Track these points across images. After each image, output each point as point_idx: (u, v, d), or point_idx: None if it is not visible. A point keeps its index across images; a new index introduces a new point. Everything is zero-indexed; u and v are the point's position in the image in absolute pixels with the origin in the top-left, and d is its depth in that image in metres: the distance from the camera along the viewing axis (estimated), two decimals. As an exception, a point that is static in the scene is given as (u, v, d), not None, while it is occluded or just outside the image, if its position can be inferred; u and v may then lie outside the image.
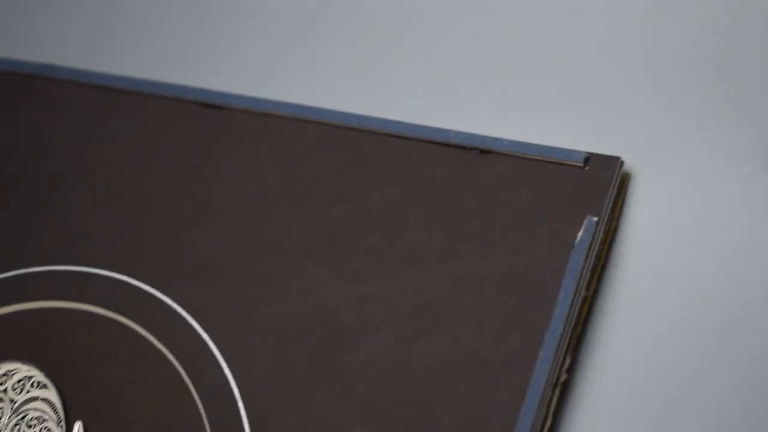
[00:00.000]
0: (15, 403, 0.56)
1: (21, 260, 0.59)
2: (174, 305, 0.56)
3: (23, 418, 0.56)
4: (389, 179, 0.55)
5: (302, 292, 0.54)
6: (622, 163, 0.53)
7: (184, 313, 0.55)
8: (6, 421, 0.56)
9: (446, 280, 0.53)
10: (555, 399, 0.51)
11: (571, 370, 0.51)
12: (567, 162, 0.54)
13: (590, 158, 0.53)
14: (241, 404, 0.53)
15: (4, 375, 0.57)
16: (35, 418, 0.55)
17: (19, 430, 0.55)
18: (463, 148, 0.55)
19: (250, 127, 0.59)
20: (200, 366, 0.54)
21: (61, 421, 0.55)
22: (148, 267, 0.57)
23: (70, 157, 0.60)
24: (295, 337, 0.53)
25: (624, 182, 0.54)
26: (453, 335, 0.52)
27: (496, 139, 0.55)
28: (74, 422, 0.55)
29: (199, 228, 0.57)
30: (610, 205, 0.53)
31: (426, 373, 0.51)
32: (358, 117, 0.57)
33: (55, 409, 0.55)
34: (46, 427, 0.55)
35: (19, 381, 0.56)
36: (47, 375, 0.56)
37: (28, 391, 0.56)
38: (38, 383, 0.56)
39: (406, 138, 0.56)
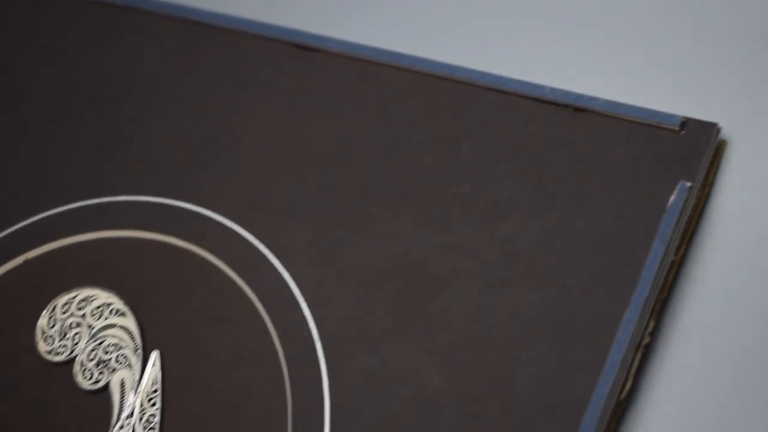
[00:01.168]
0: (93, 328, 0.56)
1: (106, 189, 0.59)
2: (256, 242, 0.56)
3: (100, 343, 0.56)
4: (481, 131, 0.55)
5: (387, 237, 0.54)
6: (719, 129, 0.53)
7: (265, 251, 0.55)
8: (83, 346, 0.56)
9: (534, 234, 0.52)
10: (636, 362, 0.50)
11: (654, 334, 0.51)
12: (663, 125, 0.53)
13: (687, 123, 0.53)
14: (318, 344, 0.53)
15: (83, 300, 0.57)
16: (112, 345, 0.56)
17: (95, 355, 0.56)
18: (558, 105, 0.55)
19: (342, 70, 0.58)
20: (279, 304, 0.54)
21: (138, 349, 0.55)
22: (232, 203, 0.57)
23: (160, 89, 0.60)
24: (377, 282, 0.53)
25: (719, 149, 0.53)
26: (538, 290, 0.51)
27: (591, 98, 0.54)
28: (151, 351, 0.55)
29: (285, 167, 0.57)
30: (704, 171, 0.52)
31: (508, 326, 0.51)
32: (453, 67, 0.57)
33: (132, 337, 0.55)
34: (122, 354, 0.55)
35: (98, 307, 0.57)
36: (126, 303, 0.56)
37: (106, 318, 0.56)
38: (117, 311, 0.56)
39: (501, 91, 0.56)
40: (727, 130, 0.53)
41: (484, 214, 0.53)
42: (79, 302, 0.57)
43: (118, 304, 0.56)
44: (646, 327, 0.50)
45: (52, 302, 0.57)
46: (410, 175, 0.55)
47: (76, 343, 0.56)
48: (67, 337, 0.56)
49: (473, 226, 0.53)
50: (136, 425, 0.54)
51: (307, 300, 0.54)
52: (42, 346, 0.56)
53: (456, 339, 0.51)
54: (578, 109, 0.54)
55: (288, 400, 0.52)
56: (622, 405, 0.50)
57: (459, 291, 0.52)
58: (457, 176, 0.54)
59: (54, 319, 0.57)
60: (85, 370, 0.55)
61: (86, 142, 0.60)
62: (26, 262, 0.58)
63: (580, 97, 0.54)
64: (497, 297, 0.52)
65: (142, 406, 0.54)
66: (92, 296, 0.57)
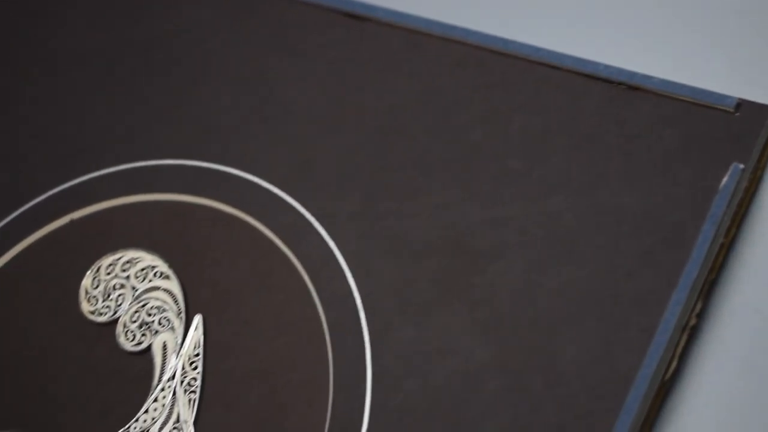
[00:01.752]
0: (136, 290, 0.56)
1: (153, 152, 0.59)
2: (303, 211, 0.55)
3: (143, 306, 0.56)
4: (533, 106, 0.55)
5: (434, 209, 0.54)
6: (773, 112, 0.52)
7: (312, 220, 0.55)
8: (126, 308, 0.56)
9: (582, 212, 0.52)
10: (683, 343, 0.50)
11: (702, 315, 0.50)
12: (717, 106, 0.53)
13: (742, 105, 0.52)
14: (362, 314, 0.53)
15: (127, 262, 0.57)
16: (155, 307, 0.56)
17: (138, 317, 0.56)
18: (611, 82, 0.54)
19: (393, 41, 0.58)
20: (324, 273, 0.54)
21: (180, 312, 0.55)
22: (280, 170, 0.57)
23: (211, 55, 0.60)
24: (423, 254, 0.53)
25: (774, 133, 0.53)
26: (585, 268, 0.51)
27: (645, 77, 0.54)
28: (194, 315, 0.55)
29: (334, 136, 0.57)
30: (758, 153, 0.52)
31: (553, 303, 0.51)
32: (506, 41, 0.56)
33: (176, 301, 0.55)
34: (165, 317, 0.55)
35: (143, 270, 0.57)
36: (170, 266, 0.56)
37: (150, 281, 0.56)
38: (161, 273, 0.56)
39: (554, 67, 0.55)
40: (782, 114, 0.53)
41: (533, 190, 0.53)
42: (124, 264, 0.57)
43: (162, 266, 0.56)
44: (694, 308, 0.50)
45: (96, 263, 0.57)
46: (459, 148, 0.55)
47: (120, 305, 0.56)
48: (110, 298, 0.56)
49: (522, 201, 0.53)
50: (177, 388, 0.54)
51: (352, 269, 0.54)
52: (85, 307, 0.56)
53: (501, 313, 0.51)
54: (632, 87, 0.54)
55: (330, 368, 0.52)
56: (666, 386, 0.49)
57: (505, 265, 0.52)
58: (507, 151, 0.54)
59: (98, 280, 0.57)
60: (127, 331, 0.55)
61: (135, 105, 0.60)
62: (71, 222, 0.58)
63: (633, 75, 0.54)
64: (543, 273, 0.51)
65: (183, 369, 0.54)
66: (137, 258, 0.57)
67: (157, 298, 0.56)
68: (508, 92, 0.55)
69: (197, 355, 0.54)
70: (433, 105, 0.56)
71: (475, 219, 0.53)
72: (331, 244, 0.54)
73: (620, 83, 0.54)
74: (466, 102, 0.55)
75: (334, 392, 0.51)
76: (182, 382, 0.54)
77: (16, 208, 0.59)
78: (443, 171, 0.54)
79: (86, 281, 0.57)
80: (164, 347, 0.55)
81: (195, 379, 0.54)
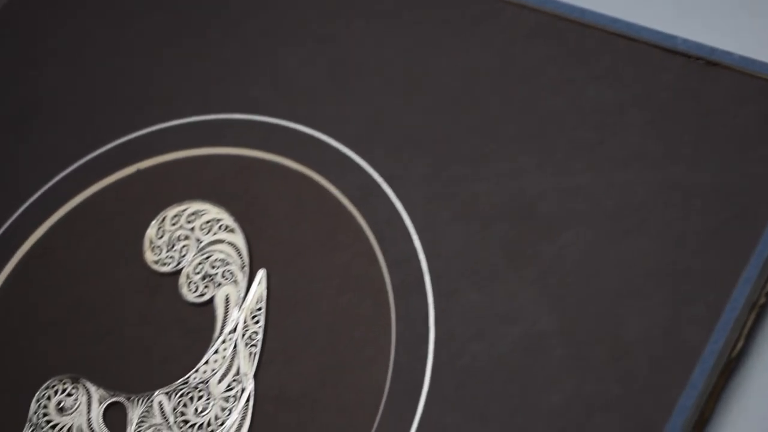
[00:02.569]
0: (201, 242, 0.56)
1: (223, 105, 0.59)
2: (371, 171, 0.55)
3: (207, 258, 0.56)
4: (608, 78, 0.54)
5: (505, 175, 0.53)
6: None
7: (380, 181, 0.55)
8: (190, 259, 0.56)
9: (655, 185, 0.51)
10: (750, 321, 0.49)
11: (771, 294, 0.50)
12: (796, 86, 0.52)
13: (821, 86, 0.52)
14: (427, 277, 0.52)
15: (193, 214, 0.57)
16: (219, 260, 0.56)
17: (202, 269, 0.56)
18: (689, 57, 0.54)
19: (469, 7, 0.58)
20: (390, 234, 0.54)
21: (244, 266, 0.55)
22: (350, 130, 0.56)
23: (284, 13, 0.60)
24: (492, 219, 0.53)
25: None
26: (654, 241, 0.51)
27: (725, 52, 0.53)
28: (257, 269, 0.55)
29: (407, 98, 0.56)
30: (835, 136, 0.51)
31: (621, 275, 0.50)
32: (583, 10, 0.56)
33: (239, 254, 0.55)
34: (229, 270, 0.55)
35: (207, 222, 0.57)
36: (236, 220, 0.56)
37: (215, 233, 0.56)
38: (226, 227, 0.56)
39: (632, 39, 0.55)
40: None
41: (606, 161, 0.52)
42: (189, 216, 0.57)
43: (227, 220, 0.56)
44: (763, 287, 0.50)
45: (161, 213, 0.57)
46: (533, 116, 0.54)
47: (183, 256, 0.56)
48: (174, 248, 0.56)
49: (594, 171, 0.52)
50: (238, 341, 0.54)
51: (419, 232, 0.53)
52: (149, 256, 0.56)
53: (568, 282, 0.51)
54: (710, 63, 0.53)
55: (392, 329, 0.52)
56: (732, 364, 0.49)
57: (574, 235, 0.51)
58: (581, 121, 0.54)
59: (163, 230, 0.57)
60: (190, 282, 0.56)
61: (207, 58, 0.60)
62: (138, 172, 0.58)
63: (713, 50, 0.53)
64: (613, 244, 0.51)
65: (245, 322, 0.54)
66: (202, 211, 0.57)
67: (221, 251, 0.56)
68: (582, 63, 0.55)
69: (259, 309, 0.54)
70: (508, 71, 0.56)
71: (545, 187, 0.53)
72: (399, 205, 0.54)
73: (698, 58, 0.54)
74: (540, 70, 0.55)
75: (395, 352, 0.51)
76: (243, 335, 0.54)
77: (84, 155, 0.59)
78: (515, 138, 0.54)
79: (151, 231, 0.57)
80: (227, 300, 0.55)
81: (256, 332, 0.54)
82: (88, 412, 0.54)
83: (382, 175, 0.55)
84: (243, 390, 0.53)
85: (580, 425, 0.48)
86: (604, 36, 0.55)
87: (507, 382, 0.50)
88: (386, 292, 0.53)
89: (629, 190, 0.52)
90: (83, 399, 0.54)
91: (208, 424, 0.52)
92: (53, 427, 0.54)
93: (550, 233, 0.52)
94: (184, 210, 0.57)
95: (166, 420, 0.53)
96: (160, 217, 0.57)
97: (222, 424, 0.52)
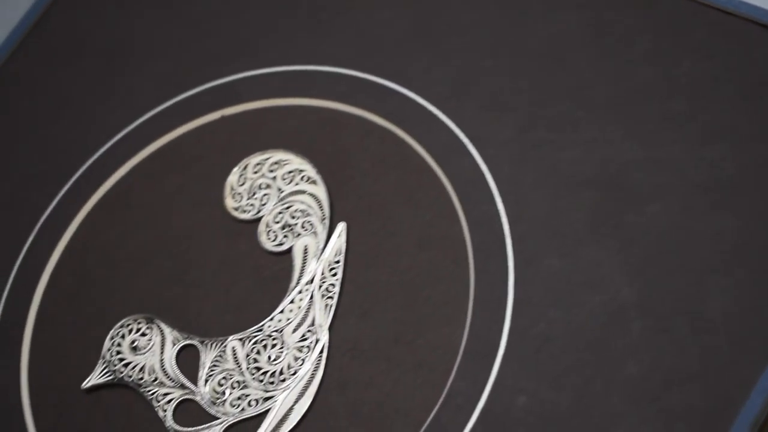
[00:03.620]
0: (282, 192, 0.56)
1: (310, 57, 0.58)
2: (457, 131, 0.55)
3: (288, 208, 0.56)
4: (703, 50, 0.54)
5: (593, 143, 0.53)
6: None
7: (465, 141, 0.55)
8: (270, 208, 0.56)
9: (745, 161, 0.51)
10: (834, 304, 0.49)
11: None
12: None
13: None
14: (508, 240, 0.52)
15: (275, 163, 0.57)
16: (300, 211, 0.56)
17: (281, 218, 0.56)
18: (787, 34, 0.53)
19: (564, -28, 0.57)
20: (473, 195, 0.53)
21: (324, 218, 0.55)
22: (438, 88, 0.56)
23: (376, -34, 0.60)
24: (577, 186, 0.52)
25: None
26: (741, 218, 0.50)
27: (824, 32, 0.53)
28: (338, 222, 0.55)
29: (495, 60, 0.56)
30: None
31: (706, 250, 0.50)
32: (681, -18, 0.55)
33: (320, 206, 0.55)
34: (309, 221, 0.55)
35: (290, 172, 0.57)
36: (318, 172, 0.56)
37: (296, 184, 0.56)
38: (308, 178, 0.56)
39: (728, 12, 0.54)
40: None
41: (696, 134, 0.52)
42: (272, 164, 0.57)
43: (310, 171, 0.56)
44: None
45: (244, 161, 0.57)
46: (624, 85, 0.54)
47: (264, 204, 0.56)
48: (255, 196, 0.56)
49: (683, 144, 0.52)
50: (315, 292, 0.54)
51: (502, 195, 0.53)
52: (229, 202, 0.56)
53: (651, 254, 0.50)
54: (808, 42, 0.53)
55: (471, 289, 0.52)
56: (813, 346, 0.49)
57: (660, 207, 0.51)
58: (673, 93, 0.53)
59: (244, 178, 0.57)
60: (269, 231, 0.56)
61: (296, 8, 0.60)
62: (222, 118, 0.58)
63: (812, 29, 0.53)
64: (698, 218, 0.50)
65: (322, 274, 0.54)
66: (285, 160, 0.57)
67: (302, 202, 0.56)
68: (677, 34, 0.54)
69: (338, 261, 0.54)
70: (600, 38, 0.55)
71: (634, 157, 0.52)
72: (483, 167, 0.54)
73: (796, 36, 0.53)
74: (633, 39, 0.55)
75: (472, 313, 0.51)
76: (320, 286, 0.54)
77: (170, 98, 0.59)
78: (605, 106, 0.54)
79: (232, 177, 0.57)
80: (305, 251, 0.55)
81: (333, 285, 0.54)
82: (161, 352, 0.54)
83: (468, 135, 0.55)
84: (317, 341, 0.53)
85: (656, 398, 0.48)
86: (700, 8, 0.54)
87: (583, 350, 0.49)
88: (466, 253, 0.53)
89: (719, 165, 0.51)
90: (157, 339, 0.55)
91: (281, 373, 0.53)
92: (126, 365, 0.54)
93: (636, 204, 0.51)
94: (267, 159, 0.57)
95: (239, 366, 0.53)
96: (242, 165, 0.57)
97: (294, 373, 0.52)
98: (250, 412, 0.52)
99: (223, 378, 0.53)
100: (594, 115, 0.53)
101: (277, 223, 0.56)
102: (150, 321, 0.55)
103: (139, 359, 0.54)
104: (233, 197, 0.57)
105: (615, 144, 0.53)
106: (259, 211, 0.56)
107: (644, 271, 0.50)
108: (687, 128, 0.52)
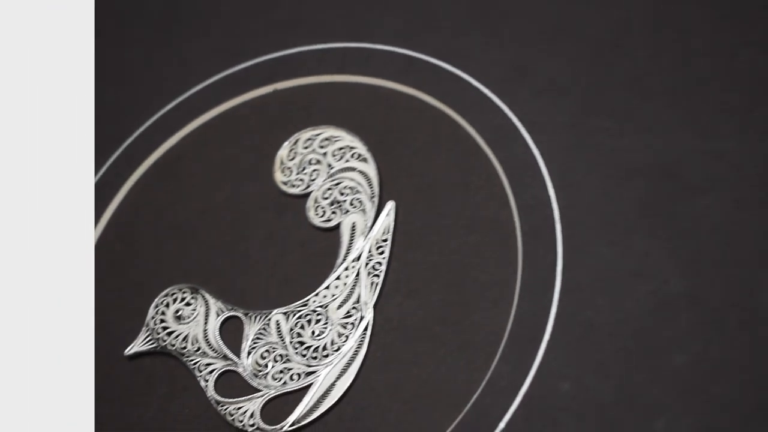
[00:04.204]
0: (332, 168, 0.56)
1: (364, 34, 0.58)
2: (511, 115, 0.55)
3: (337, 184, 0.56)
4: (763, 42, 0.53)
5: (647, 132, 0.52)
6: None
7: (519, 125, 0.54)
8: (320, 184, 0.56)
9: (802, 158, 0.51)
10: None
11: None
12: None
13: None
14: (558, 226, 0.52)
15: (326, 139, 0.57)
16: (349, 188, 0.56)
17: (330, 194, 0.56)
18: None
19: (625, -40, 0.57)
20: (525, 180, 0.53)
21: (374, 196, 0.55)
22: (492, 71, 0.56)
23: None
24: (630, 175, 0.52)
25: None
26: (796, 214, 0.50)
27: None
28: (387, 201, 0.55)
29: (553, 45, 0.56)
30: None
31: (757, 244, 0.49)
32: (744, -25, 0.55)
33: (370, 184, 0.55)
34: (358, 198, 0.55)
35: (341, 149, 0.56)
36: (369, 150, 0.56)
37: (347, 161, 0.56)
38: (359, 155, 0.56)
39: (791, 7, 0.54)
40: None
41: (753, 128, 0.51)
42: (323, 140, 0.57)
43: (361, 149, 0.56)
44: None
45: (295, 135, 0.57)
46: (681, 75, 0.53)
47: (313, 180, 0.56)
48: (305, 171, 0.56)
49: (739, 137, 0.51)
50: (361, 269, 0.54)
51: (553, 181, 0.53)
52: (278, 176, 0.56)
53: (702, 247, 0.50)
54: None
55: (518, 273, 0.51)
56: None
57: (713, 199, 0.51)
58: (731, 85, 0.53)
59: (294, 152, 0.57)
60: (318, 206, 0.55)
61: (354, -14, 0.60)
62: (275, 92, 0.58)
63: None
64: (751, 212, 0.50)
65: (369, 252, 0.54)
66: (336, 137, 0.57)
67: (351, 179, 0.56)
68: (737, 26, 0.54)
69: (385, 240, 0.54)
70: (659, 27, 0.55)
71: (688, 148, 0.52)
72: (536, 152, 0.54)
73: None
74: (692, 29, 0.54)
75: (519, 297, 0.51)
76: (367, 264, 0.54)
77: (224, 70, 0.59)
78: (661, 95, 0.53)
79: (283, 152, 0.57)
80: (353, 228, 0.55)
81: (380, 263, 0.54)
82: (205, 323, 0.54)
83: (521, 119, 0.54)
84: (362, 318, 0.53)
85: (703, 390, 0.47)
86: (762, 1, 0.54)
87: (629, 339, 0.49)
88: (515, 237, 0.52)
89: (775, 159, 0.51)
90: (201, 310, 0.55)
91: (324, 348, 0.52)
92: (169, 334, 0.54)
93: (688, 195, 0.51)
94: (318, 134, 0.57)
95: (282, 339, 0.53)
96: (293, 139, 0.57)
97: (338, 349, 0.52)
98: (292, 386, 0.52)
99: (266, 351, 0.53)
100: (650, 104, 0.53)
101: (326, 199, 0.56)
102: (195, 291, 0.55)
103: (182, 328, 0.54)
104: (283, 171, 0.57)
105: (670, 134, 0.52)
106: (308, 187, 0.56)
107: (694, 263, 0.50)
108: (743, 121, 0.52)
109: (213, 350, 0.54)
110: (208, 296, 0.55)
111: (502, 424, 0.49)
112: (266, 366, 0.53)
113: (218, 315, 0.54)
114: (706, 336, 0.48)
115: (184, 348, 0.54)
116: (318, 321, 0.53)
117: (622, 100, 0.54)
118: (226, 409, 0.52)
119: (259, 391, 0.52)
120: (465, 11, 0.57)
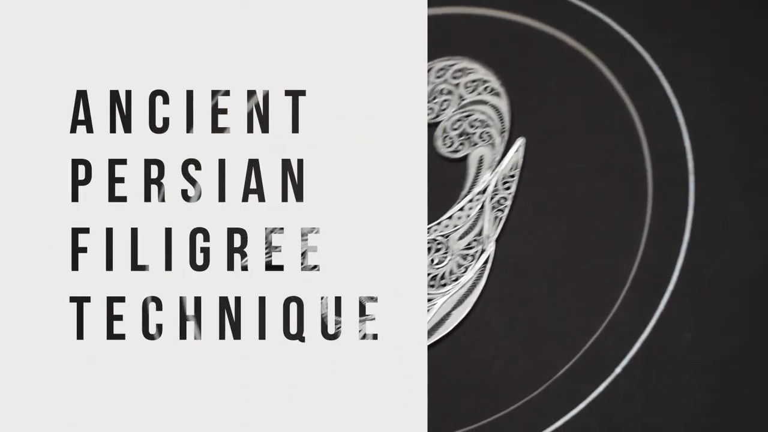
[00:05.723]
0: (463, 100, 0.56)
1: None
2: (651, 63, 0.54)
3: (467, 116, 0.55)
4: None
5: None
6: None
7: (659, 74, 0.53)
8: (450, 114, 0.56)
9: None
10: None
11: None
12: None
13: None
14: (691, 177, 0.51)
15: (459, 71, 0.56)
16: (479, 121, 0.55)
17: (460, 126, 0.55)
18: None
19: None
20: (660, 129, 0.52)
21: (504, 131, 0.54)
22: (636, 17, 0.55)
23: None
24: (767, 133, 0.51)
25: None
26: None
27: None
28: (516, 137, 0.54)
29: (701, -4, 0.55)
30: None
31: None
32: None
33: (501, 118, 0.55)
34: (487, 132, 0.55)
35: (473, 81, 0.56)
36: (503, 85, 0.55)
37: (479, 94, 0.56)
38: (491, 89, 0.55)
39: None
40: None
41: None
42: (456, 71, 0.56)
43: (494, 83, 0.56)
44: None
45: (428, 64, 0.57)
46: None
47: (443, 109, 0.56)
48: (435, 100, 0.56)
49: None
50: (486, 203, 0.53)
51: (690, 132, 0.52)
52: (409, 103, 0.56)
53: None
54: None
55: (646, 223, 0.51)
56: None
57: None
58: None
59: (427, 81, 0.56)
60: (446, 137, 0.55)
61: None
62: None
63: None
64: None
65: (495, 186, 0.53)
66: (470, 69, 0.56)
67: (482, 113, 0.55)
68: None
69: (512, 176, 0.53)
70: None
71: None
72: (674, 101, 0.53)
73: None
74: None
75: (645, 246, 0.50)
76: (492, 198, 0.53)
77: None
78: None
79: (415, 79, 0.57)
80: (480, 161, 0.54)
81: (505, 198, 0.53)
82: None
83: (662, 68, 0.54)
84: (482, 251, 0.52)
85: (828, 354, 0.47)
86: None
87: (753, 296, 0.48)
88: (646, 185, 0.52)
89: None
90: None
91: (442, 277, 0.52)
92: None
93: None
94: (452, 65, 0.56)
95: (400, 265, 0.53)
96: (426, 68, 0.57)
97: (456, 279, 0.52)
98: (407, 312, 0.52)
99: (383, 275, 0.53)
100: (796, 63, 0.52)
101: (455, 129, 0.55)
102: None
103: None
104: (413, 99, 0.56)
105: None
106: (437, 116, 0.56)
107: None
108: None
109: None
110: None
111: (618, 369, 0.48)
112: (382, 290, 0.53)
113: (337, 235, 0.54)
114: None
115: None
116: (438, 250, 0.53)
117: (765, 56, 0.53)
118: (338, 328, 0.52)
119: (374, 313, 0.52)
120: (613, -46, 0.57)
